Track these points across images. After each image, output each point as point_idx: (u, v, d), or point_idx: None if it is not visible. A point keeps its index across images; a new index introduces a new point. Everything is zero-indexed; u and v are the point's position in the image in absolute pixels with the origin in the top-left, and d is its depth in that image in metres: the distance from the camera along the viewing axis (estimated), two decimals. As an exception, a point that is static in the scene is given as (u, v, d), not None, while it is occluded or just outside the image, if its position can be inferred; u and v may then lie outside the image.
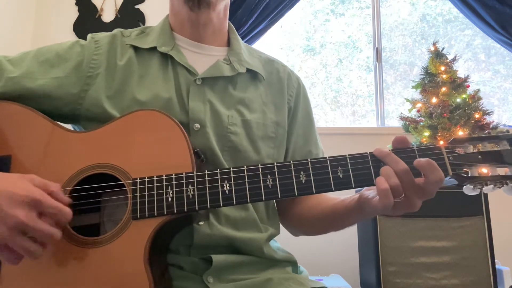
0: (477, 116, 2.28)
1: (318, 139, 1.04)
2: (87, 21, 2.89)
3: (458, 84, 2.38)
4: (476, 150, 0.71)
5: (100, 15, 2.90)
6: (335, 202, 0.88)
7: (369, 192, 0.75)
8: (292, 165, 0.73)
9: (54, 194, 0.70)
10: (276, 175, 0.72)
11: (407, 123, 2.43)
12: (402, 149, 0.73)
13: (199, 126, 0.85)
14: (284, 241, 1.02)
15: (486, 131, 0.72)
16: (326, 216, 0.90)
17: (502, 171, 0.69)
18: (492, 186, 0.71)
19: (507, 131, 0.71)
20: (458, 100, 2.34)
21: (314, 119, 1.06)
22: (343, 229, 0.89)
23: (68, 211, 0.69)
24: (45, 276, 0.73)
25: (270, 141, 0.93)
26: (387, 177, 0.69)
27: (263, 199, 0.72)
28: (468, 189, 0.73)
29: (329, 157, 0.73)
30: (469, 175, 0.70)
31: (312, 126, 1.04)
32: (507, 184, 0.70)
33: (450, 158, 0.71)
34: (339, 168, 0.72)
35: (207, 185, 0.73)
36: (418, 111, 2.43)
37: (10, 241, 0.65)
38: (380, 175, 0.70)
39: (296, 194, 0.71)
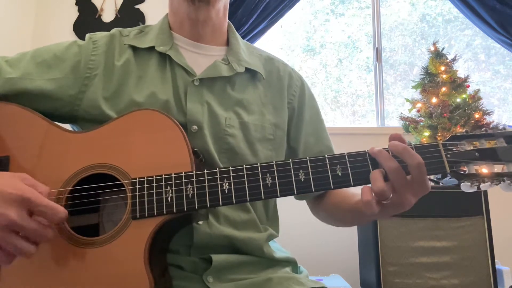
0: (477, 116, 2.28)
1: (329, 137, 1.03)
2: (87, 21, 2.89)
3: (458, 84, 2.38)
4: (473, 148, 0.71)
5: (100, 15, 2.90)
6: (353, 202, 0.87)
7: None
8: (291, 164, 0.73)
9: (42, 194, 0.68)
10: (275, 174, 0.72)
11: (407, 123, 2.43)
12: None
13: (196, 128, 0.85)
14: (284, 241, 1.03)
15: (483, 129, 0.72)
16: (346, 215, 0.90)
17: (499, 168, 0.70)
18: (489, 183, 0.71)
19: (504, 128, 0.71)
20: (458, 100, 2.34)
21: (322, 117, 1.05)
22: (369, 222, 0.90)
23: (60, 209, 0.68)
24: (44, 277, 0.72)
25: (268, 143, 0.92)
26: (373, 182, 0.69)
27: (263, 198, 0.72)
28: (466, 186, 0.74)
29: (327, 155, 0.73)
30: (466, 173, 0.71)
31: (322, 124, 1.03)
32: (503, 181, 0.71)
33: (448, 155, 0.71)
34: (338, 166, 0.72)
35: (206, 184, 0.72)
36: (418, 111, 2.43)
37: (2, 240, 0.65)
38: (370, 176, 0.70)
39: (295, 192, 0.71)
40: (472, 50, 3.20)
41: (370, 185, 0.70)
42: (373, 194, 0.69)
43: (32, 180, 0.70)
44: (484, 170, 0.69)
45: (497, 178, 0.70)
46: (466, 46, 3.19)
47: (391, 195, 0.70)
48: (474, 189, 0.73)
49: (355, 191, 0.90)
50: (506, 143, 0.70)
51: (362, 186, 0.71)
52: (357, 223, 0.95)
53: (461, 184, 0.73)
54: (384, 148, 0.71)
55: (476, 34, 3.14)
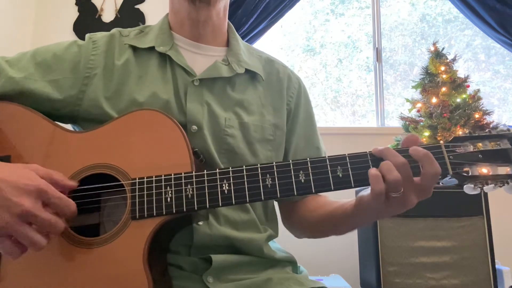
0: (477, 116, 2.28)
1: (321, 141, 1.03)
2: (87, 21, 2.89)
3: (458, 84, 2.38)
4: (477, 149, 0.70)
5: (100, 15, 2.90)
6: (335, 206, 0.87)
7: (366, 191, 0.74)
8: (291, 165, 0.72)
9: (58, 182, 0.70)
10: (275, 175, 0.72)
11: (407, 123, 2.43)
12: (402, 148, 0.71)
13: (196, 128, 0.85)
14: (284, 241, 1.02)
15: (487, 130, 0.71)
16: (325, 220, 0.89)
17: (502, 170, 0.68)
18: (493, 185, 0.70)
19: (508, 129, 0.70)
20: (458, 100, 2.34)
21: (315, 121, 1.05)
22: (344, 234, 0.88)
23: (72, 203, 0.69)
24: (44, 276, 0.72)
25: (268, 144, 0.92)
26: (387, 171, 0.68)
27: (262, 198, 0.72)
28: (469, 188, 0.73)
29: (328, 156, 0.73)
30: (469, 174, 0.69)
31: (314, 127, 1.03)
32: (508, 183, 0.69)
33: (451, 157, 0.70)
34: (339, 167, 0.72)
35: (206, 184, 0.72)
36: (418, 111, 2.43)
37: (14, 230, 0.64)
38: (380, 169, 0.69)
39: (296, 193, 0.71)
40: (472, 50, 3.20)
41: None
42: (384, 184, 0.67)
43: (46, 170, 0.70)
44: (488, 172, 0.68)
45: (501, 180, 0.69)
46: (466, 46, 3.19)
47: (402, 189, 0.69)
48: (477, 191, 0.72)
49: (334, 199, 0.90)
50: (510, 144, 0.69)
51: (369, 169, 0.69)
52: (334, 230, 0.90)
53: (464, 186, 0.72)
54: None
55: (476, 34, 3.14)
